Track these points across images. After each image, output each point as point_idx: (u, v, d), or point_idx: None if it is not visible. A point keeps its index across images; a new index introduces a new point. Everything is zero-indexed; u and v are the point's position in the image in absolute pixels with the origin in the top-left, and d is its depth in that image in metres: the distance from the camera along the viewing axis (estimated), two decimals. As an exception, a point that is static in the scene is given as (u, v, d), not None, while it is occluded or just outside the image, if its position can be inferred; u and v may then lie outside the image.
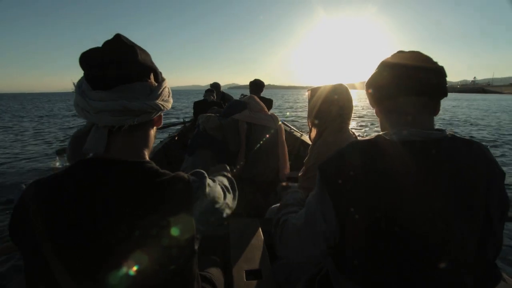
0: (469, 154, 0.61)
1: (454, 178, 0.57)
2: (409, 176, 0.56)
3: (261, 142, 2.00)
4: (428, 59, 0.65)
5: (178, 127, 4.59)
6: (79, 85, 0.58)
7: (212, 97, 4.11)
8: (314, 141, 1.28)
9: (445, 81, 0.65)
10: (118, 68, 0.56)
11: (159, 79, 0.64)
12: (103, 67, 0.55)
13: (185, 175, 0.60)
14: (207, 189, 0.61)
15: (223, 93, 4.60)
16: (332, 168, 0.62)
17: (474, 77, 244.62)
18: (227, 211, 0.71)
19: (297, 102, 33.41)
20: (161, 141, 3.78)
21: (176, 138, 3.95)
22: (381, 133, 0.66)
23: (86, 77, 0.57)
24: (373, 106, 0.74)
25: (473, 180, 0.58)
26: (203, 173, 0.64)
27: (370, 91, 0.71)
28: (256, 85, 3.27)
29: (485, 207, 0.57)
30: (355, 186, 0.58)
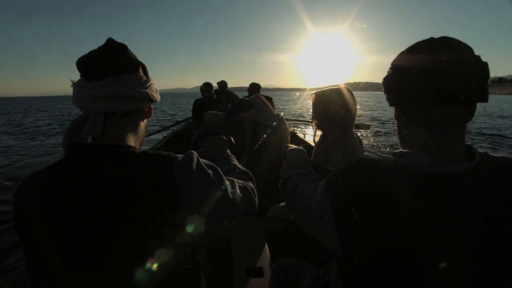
0: (503, 180, 0.49)
1: (483, 217, 0.47)
2: (424, 218, 0.47)
3: (266, 141, 2.00)
4: (465, 51, 0.51)
5: (180, 125, 4.61)
6: (76, 83, 0.64)
7: (211, 94, 3.91)
8: (319, 143, 1.28)
9: (486, 81, 0.51)
10: (110, 60, 0.63)
11: (147, 74, 0.70)
12: (97, 62, 0.62)
13: (166, 153, 0.61)
14: (194, 168, 0.60)
15: (228, 91, 4.59)
16: (341, 185, 0.55)
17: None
18: (233, 197, 0.65)
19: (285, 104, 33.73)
20: (164, 137, 3.79)
21: (179, 134, 3.96)
22: (396, 151, 0.56)
23: (81, 73, 0.63)
24: (391, 105, 0.61)
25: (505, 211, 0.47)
26: (192, 153, 0.63)
27: (393, 87, 0.59)
28: (254, 90, 3.55)
29: None
30: (361, 212, 0.50)
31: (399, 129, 0.61)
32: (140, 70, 0.68)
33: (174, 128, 4.39)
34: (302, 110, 22.57)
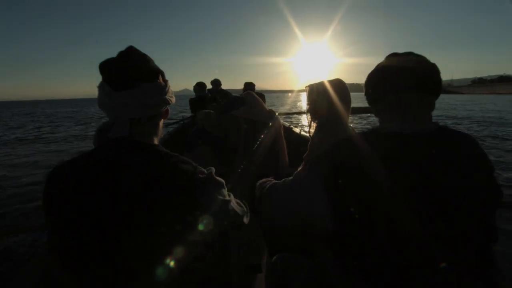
0: (458, 145, 0.64)
1: (442, 169, 0.60)
2: (399, 167, 0.60)
3: (260, 138, 2.00)
4: (422, 57, 0.69)
5: (176, 125, 4.59)
6: (101, 87, 0.70)
7: (204, 93, 4.12)
8: (314, 136, 1.29)
9: (439, 78, 0.69)
10: (136, 71, 0.69)
11: (165, 79, 0.77)
12: (123, 72, 0.68)
13: (190, 160, 0.71)
14: (208, 174, 0.71)
15: (221, 89, 4.58)
16: (329, 158, 0.68)
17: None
18: (233, 208, 0.76)
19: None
20: (160, 138, 3.78)
21: (174, 135, 3.95)
22: (376, 126, 0.71)
23: (107, 80, 0.69)
24: (371, 106, 0.76)
25: (462, 170, 0.60)
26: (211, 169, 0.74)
27: (367, 90, 0.75)
28: (249, 85, 3.69)
29: (473, 196, 0.60)
30: (350, 178, 0.63)
31: (380, 122, 0.75)
32: (160, 77, 0.74)
33: (170, 128, 4.37)
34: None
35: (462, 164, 0.61)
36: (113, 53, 0.71)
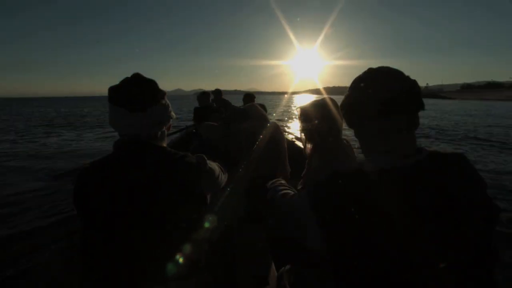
0: (447, 171, 0.59)
1: (434, 198, 0.55)
2: (389, 207, 0.55)
3: (263, 150, 2.02)
4: (398, 73, 0.64)
5: (177, 135, 4.63)
6: (115, 110, 0.81)
7: (209, 101, 4.19)
8: (310, 155, 1.30)
9: (419, 94, 0.63)
10: (148, 96, 0.83)
11: (165, 97, 0.91)
12: (139, 97, 0.81)
13: (191, 155, 0.87)
14: (209, 165, 0.90)
15: (223, 100, 4.64)
16: (323, 193, 0.63)
17: (427, 84, 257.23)
18: (223, 180, 1.02)
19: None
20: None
21: (177, 143, 3.97)
22: (362, 159, 0.68)
23: (121, 104, 0.81)
24: (350, 127, 0.72)
25: (453, 196, 0.56)
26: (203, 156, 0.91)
27: (344, 113, 0.71)
28: (250, 97, 3.68)
29: (467, 218, 0.55)
30: (342, 217, 0.58)
31: (361, 146, 0.71)
32: (165, 97, 0.90)
33: (173, 137, 4.40)
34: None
35: (454, 189, 0.57)
36: (113, 55, 0.79)
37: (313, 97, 1.41)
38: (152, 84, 0.85)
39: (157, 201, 0.74)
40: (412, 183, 0.57)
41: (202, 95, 4.20)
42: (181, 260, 0.74)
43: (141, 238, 0.73)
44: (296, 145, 3.48)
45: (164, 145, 0.91)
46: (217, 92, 4.55)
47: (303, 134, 1.31)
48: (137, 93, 0.81)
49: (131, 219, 0.73)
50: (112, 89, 0.81)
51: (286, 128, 4.04)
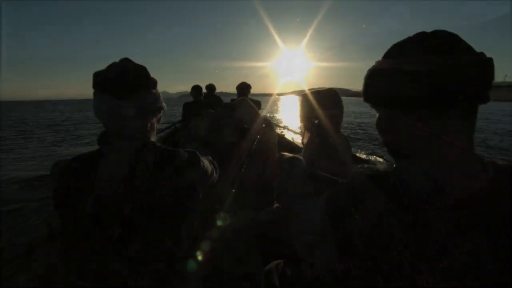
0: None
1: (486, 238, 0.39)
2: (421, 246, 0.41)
3: (254, 146, 2.01)
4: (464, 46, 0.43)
5: (168, 130, 4.56)
6: (99, 97, 0.72)
7: (200, 98, 4.12)
8: (307, 145, 1.31)
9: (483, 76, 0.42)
10: (135, 78, 0.74)
11: (157, 88, 0.83)
12: (124, 79, 0.71)
13: (183, 150, 0.81)
14: (201, 160, 0.84)
15: (216, 96, 4.58)
16: (342, 201, 0.53)
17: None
18: (214, 176, 0.95)
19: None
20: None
21: (167, 139, 3.92)
22: (390, 168, 0.53)
23: (106, 89, 0.71)
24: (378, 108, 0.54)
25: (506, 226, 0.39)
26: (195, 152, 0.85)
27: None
28: (243, 89, 3.45)
29: None
30: (359, 231, 0.47)
31: (389, 134, 0.53)
32: (156, 87, 0.82)
33: (162, 134, 4.34)
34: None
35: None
36: (113, 58, 0.74)
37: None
38: (141, 68, 0.76)
39: (145, 197, 0.70)
40: (465, 222, 0.40)
41: (194, 90, 4.12)
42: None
43: (128, 236, 0.69)
44: (286, 139, 3.50)
45: (153, 139, 0.84)
46: (211, 88, 4.49)
47: (301, 124, 1.31)
48: (122, 76, 0.71)
49: (117, 217, 0.68)
50: (96, 74, 0.72)
51: (276, 123, 4.06)
